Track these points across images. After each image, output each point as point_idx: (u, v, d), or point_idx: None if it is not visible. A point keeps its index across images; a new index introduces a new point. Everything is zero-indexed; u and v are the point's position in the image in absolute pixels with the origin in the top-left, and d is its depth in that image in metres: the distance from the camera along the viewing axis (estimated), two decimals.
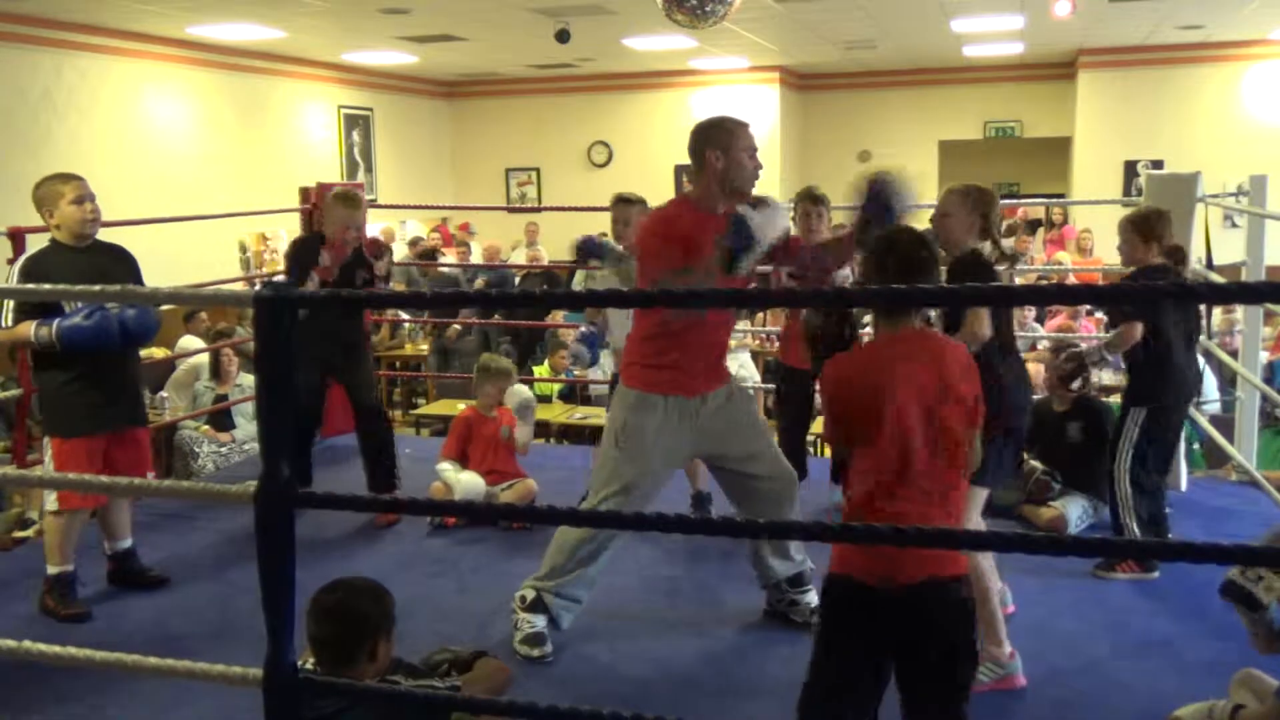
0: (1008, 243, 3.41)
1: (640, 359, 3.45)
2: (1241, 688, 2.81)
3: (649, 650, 3.62)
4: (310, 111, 11.89)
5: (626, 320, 4.28)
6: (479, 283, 11.22)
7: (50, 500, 3.97)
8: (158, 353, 8.11)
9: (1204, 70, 11.96)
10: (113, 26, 9.05)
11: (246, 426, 7.21)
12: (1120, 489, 4.08)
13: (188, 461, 7.08)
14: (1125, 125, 12.20)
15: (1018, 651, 3.31)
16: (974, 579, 3.17)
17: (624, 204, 4.63)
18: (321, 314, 4.61)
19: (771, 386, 5.06)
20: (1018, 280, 4.91)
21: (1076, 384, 4.70)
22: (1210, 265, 5.50)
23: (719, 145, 3.29)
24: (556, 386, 8.19)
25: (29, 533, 5.32)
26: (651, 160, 13.64)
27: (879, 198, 3.16)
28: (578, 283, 10.95)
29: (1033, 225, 12.00)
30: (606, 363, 5.84)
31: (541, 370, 8.58)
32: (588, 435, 7.25)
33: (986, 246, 3.37)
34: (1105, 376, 6.83)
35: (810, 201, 4.64)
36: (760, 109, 13.10)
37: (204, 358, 7.55)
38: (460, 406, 5.84)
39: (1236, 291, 1.81)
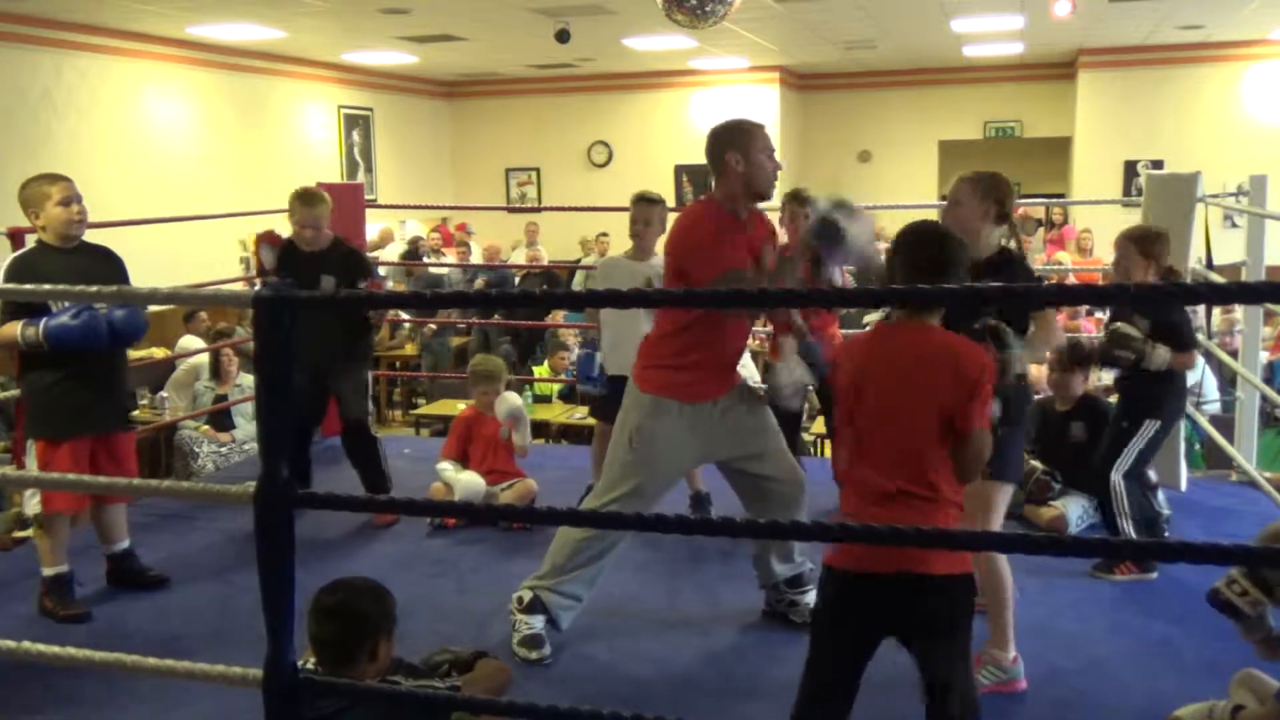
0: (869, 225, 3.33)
1: (657, 360, 3.45)
2: (1241, 688, 2.81)
3: (649, 650, 3.62)
4: (310, 111, 11.89)
5: (632, 322, 4.28)
6: (479, 283, 11.22)
7: (33, 504, 3.95)
8: (158, 353, 8.13)
9: (1204, 70, 11.96)
10: (113, 26, 9.05)
11: (246, 426, 7.21)
12: (1116, 494, 4.10)
13: (188, 461, 7.08)
14: (1125, 125, 12.20)
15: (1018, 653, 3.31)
16: (995, 586, 3.17)
17: (646, 204, 4.62)
18: (313, 318, 4.57)
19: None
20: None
21: (1089, 374, 4.67)
22: (1210, 265, 5.50)
23: (738, 148, 3.28)
24: (556, 386, 8.20)
25: (29, 532, 5.32)
26: (651, 160, 13.64)
27: (825, 237, 3.05)
28: (577, 283, 10.96)
29: (1038, 224, 12.03)
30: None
31: (541, 370, 8.59)
32: (587, 435, 7.23)
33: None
34: (1106, 377, 6.82)
35: (797, 203, 4.63)
36: (760, 109, 13.08)
37: (204, 358, 7.55)
38: (460, 406, 5.85)
39: (1236, 291, 1.82)
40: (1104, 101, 12.38)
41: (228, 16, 8.78)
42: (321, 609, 2.49)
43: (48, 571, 3.92)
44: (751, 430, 3.55)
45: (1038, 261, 10.09)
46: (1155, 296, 3.74)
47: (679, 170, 13.63)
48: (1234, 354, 6.10)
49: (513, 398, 4.94)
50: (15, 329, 3.67)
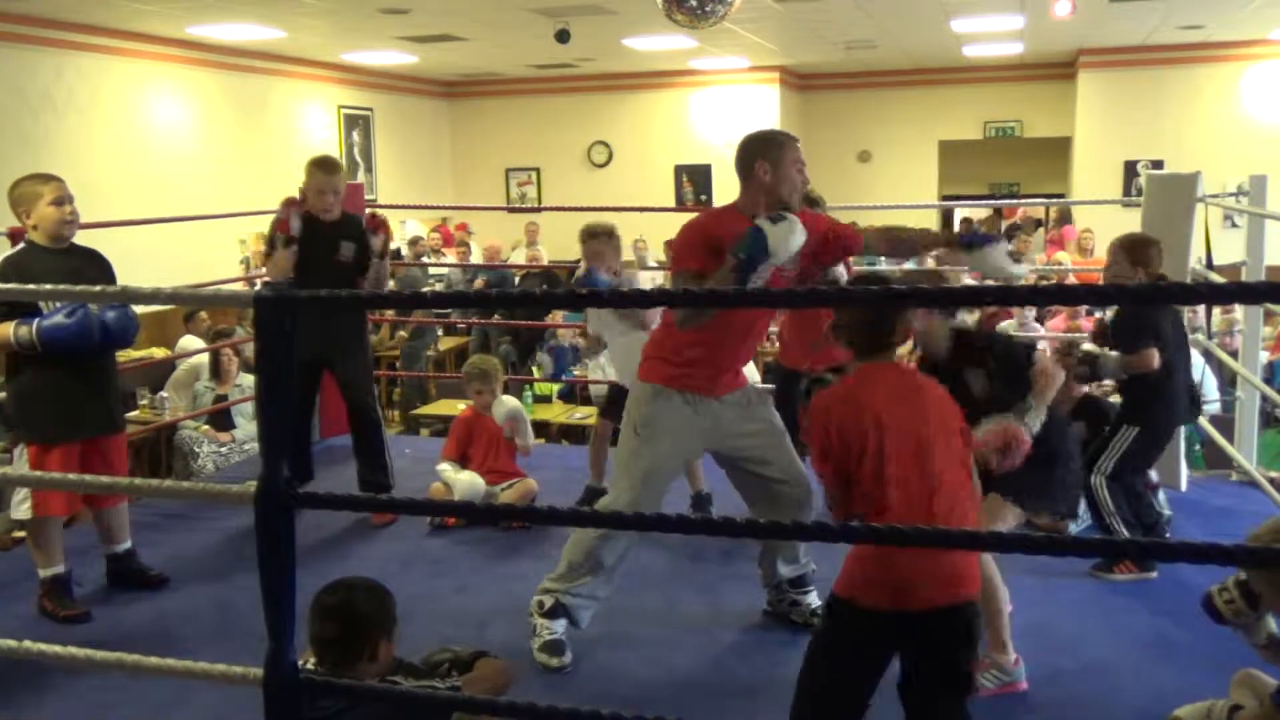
0: (1009, 245, 3.38)
1: (659, 354, 3.46)
2: (1241, 688, 2.81)
3: (650, 650, 3.62)
4: (310, 111, 11.89)
5: (636, 331, 4.28)
6: (479, 283, 11.23)
7: (23, 508, 3.94)
8: (158, 353, 8.13)
9: (1204, 70, 11.96)
10: (113, 26, 9.05)
11: (246, 426, 7.21)
12: (1100, 495, 4.13)
13: (188, 461, 7.08)
14: (1125, 125, 12.20)
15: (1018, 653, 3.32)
16: (988, 593, 3.18)
17: (591, 239, 4.64)
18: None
19: (771, 387, 5.06)
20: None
21: (1086, 384, 4.69)
22: (1210, 265, 5.50)
23: (769, 158, 3.29)
24: (556, 386, 8.21)
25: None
26: (651, 160, 13.64)
27: (751, 246, 3.07)
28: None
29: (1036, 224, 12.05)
30: (608, 366, 5.83)
31: (541, 370, 8.60)
32: (587, 435, 7.24)
33: None
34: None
35: (805, 202, 4.63)
36: (760, 109, 13.09)
37: (204, 358, 7.55)
38: (460, 406, 5.85)
39: (1236, 291, 1.82)
40: (1104, 101, 12.38)
41: (228, 16, 8.78)
42: (322, 609, 2.49)
43: (44, 573, 3.92)
44: (761, 433, 3.55)
45: (1038, 261, 10.10)
46: (1154, 296, 3.75)
47: (679, 170, 13.63)
48: (1234, 354, 6.10)
49: (510, 401, 4.94)
50: (8, 329, 3.65)
